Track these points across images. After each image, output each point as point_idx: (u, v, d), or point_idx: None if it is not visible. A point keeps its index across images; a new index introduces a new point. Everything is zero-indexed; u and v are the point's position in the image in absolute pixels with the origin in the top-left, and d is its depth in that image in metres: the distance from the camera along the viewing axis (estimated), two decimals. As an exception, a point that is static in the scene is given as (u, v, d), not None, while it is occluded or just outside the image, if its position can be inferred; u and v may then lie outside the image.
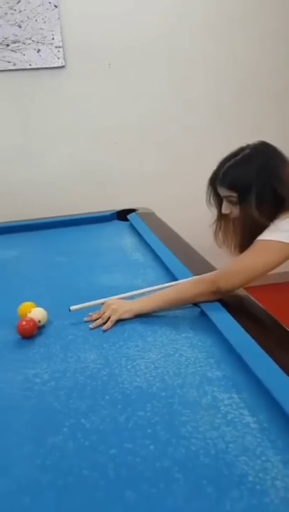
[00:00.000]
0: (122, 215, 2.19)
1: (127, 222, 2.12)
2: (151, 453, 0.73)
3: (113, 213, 2.22)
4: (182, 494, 0.65)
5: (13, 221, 2.14)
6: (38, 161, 2.54)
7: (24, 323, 1.13)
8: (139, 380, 0.92)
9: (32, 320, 1.14)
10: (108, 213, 2.22)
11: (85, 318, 1.19)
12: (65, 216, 2.20)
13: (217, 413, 0.80)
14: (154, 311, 1.19)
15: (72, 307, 1.20)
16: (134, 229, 1.99)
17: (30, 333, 1.12)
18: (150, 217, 2.08)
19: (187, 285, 1.22)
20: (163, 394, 0.87)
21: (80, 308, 1.20)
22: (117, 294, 1.26)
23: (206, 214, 1.36)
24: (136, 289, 1.29)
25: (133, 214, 2.13)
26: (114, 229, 2.09)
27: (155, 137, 2.67)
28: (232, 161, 1.19)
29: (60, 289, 1.42)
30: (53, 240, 1.97)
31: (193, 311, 1.20)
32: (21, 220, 2.15)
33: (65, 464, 0.72)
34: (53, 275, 1.57)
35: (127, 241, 1.89)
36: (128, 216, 2.13)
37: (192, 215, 2.54)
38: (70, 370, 0.97)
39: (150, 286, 1.31)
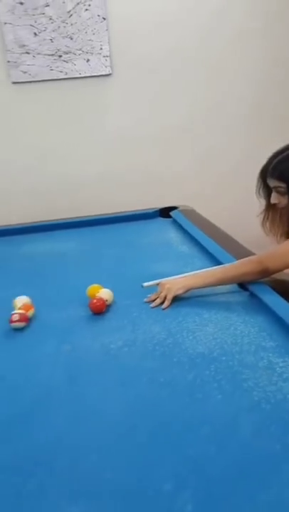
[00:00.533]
0: (165, 212, 2.34)
1: (170, 219, 2.27)
2: (219, 401, 0.87)
3: (156, 211, 2.37)
4: (249, 432, 0.79)
5: (70, 218, 2.32)
6: (88, 161, 2.73)
7: (95, 301, 1.29)
8: (200, 347, 1.07)
9: (102, 299, 1.30)
10: (151, 211, 2.37)
11: (145, 299, 1.34)
12: (112, 214, 2.37)
13: (273, 373, 0.94)
14: (205, 287, 1.32)
15: (145, 283, 1.36)
16: (177, 224, 2.13)
17: (101, 310, 1.28)
18: (192, 214, 2.22)
19: (235, 264, 1.35)
20: (223, 358, 1.01)
21: (152, 285, 1.35)
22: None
23: (238, 210, 1.49)
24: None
25: (175, 211, 2.28)
26: (158, 225, 2.24)
27: (193, 139, 2.82)
28: (280, 156, 1.33)
29: (117, 276, 1.57)
30: (103, 235, 2.13)
31: (242, 294, 1.33)
32: (76, 217, 2.32)
33: (146, 408, 0.87)
34: (109, 264, 1.73)
35: (172, 235, 2.04)
36: (171, 213, 2.27)
37: (225, 210, 2.68)
38: (139, 339, 1.13)
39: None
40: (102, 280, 1.46)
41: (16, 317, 1.21)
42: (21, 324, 1.21)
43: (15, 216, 2.42)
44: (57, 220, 2.32)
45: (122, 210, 2.42)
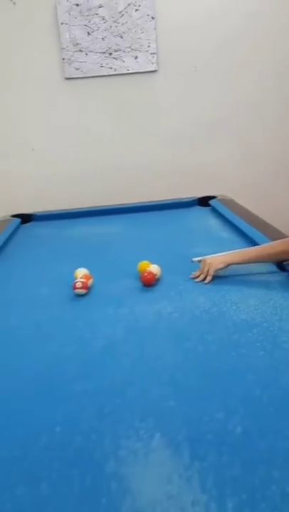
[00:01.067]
0: (203, 201, 2.48)
1: (208, 208, 2.41)
2: (261, 356, 1.01)
3: (194, 200, 2.51)
4: (288, 378, 0.92)
5: (113, 205, 2.49)
6: (135, 152, 2.90)
7: (146, 274, 1.45)
8: (243, 316, 1.21)
9: (152, 272, 1.46)
10: (190, 200, 2.51)
11: (190, 276, 1.49)
12: (154, 201, 2.53)
13: (311, 337, 1.07)
14: (243, 263, 1.44)
15: (194, 259, 1.51)
16: (216, 212, 2.26)
17: (151, 283, 1.44)
18: (230, 203, 2.34)
19: (272, 244, 1.47)
20: (265, 324, 1.15)
21: (200, 260, 1.50)
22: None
23: (278, 200, 1.60)
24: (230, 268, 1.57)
25: (214, 200, 2.41)
26: (197, 213, 2.38)
27: (234, 132, 2.93)
28: None
29: (163, 256, 1.72)
30: (146, 221, 2.29)
31: (281, 274, 1.46)
32: (118, 204, 2.50)
33: (198, 358, 1.02)
34: (154, 246, 1.88)
35: (212, 222, 2.17)
36: (210, 202, 2.41)
37: (264, 200, 2.78)
38: (187, 307, 1.28)
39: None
40: (150, 258, 1.62)
41: (79, 284, 1.39)
42: (83, 291, 1.39)
43: (67, 201, 2.63)
44: (103, 206, 2.50)
45: (163, 198, 2.57)
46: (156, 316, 1.24)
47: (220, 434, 0.76)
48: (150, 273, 1.45)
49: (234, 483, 0.66)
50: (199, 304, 1.30)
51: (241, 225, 1.92)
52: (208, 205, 2.42)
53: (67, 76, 2.72)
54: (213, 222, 2.16)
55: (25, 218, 2.40)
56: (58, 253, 1.88)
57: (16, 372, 1.00)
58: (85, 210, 2.46)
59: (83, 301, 1.36)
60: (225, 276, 1.46)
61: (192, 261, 1.51)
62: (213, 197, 2.47)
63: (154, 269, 1.48)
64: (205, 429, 0.78)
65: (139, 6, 2.63)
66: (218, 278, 1.44)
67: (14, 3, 2.61)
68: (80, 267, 1.51)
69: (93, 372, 0.98)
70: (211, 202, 2.39)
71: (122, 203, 2.56)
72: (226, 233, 1.98)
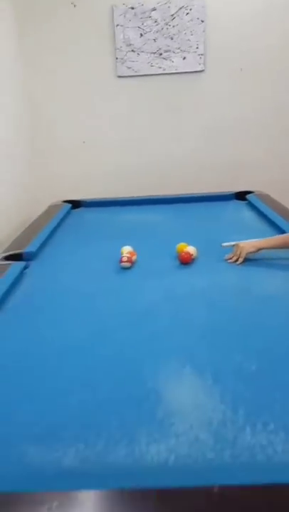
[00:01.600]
0: (240, 195, 2.63)
1: (245, 202, 2.56)
2: (279, 321, 1.19)
3: (232, 194, 2.67)
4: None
5: (157, 195, 2.70)
6: (176, 146, 3.10)
7: (183, 253, 1.65)
8: (267, 291, 1.39)
9: (189, 252, 1.66)
10: (228, 194, 2.68)
11: (224, 257, 1.67)
12: (193, 194, 2.71)
13: None
14: (272, 248, 1.61)
15: (224, 243, 1.70)
16: (252, 206, 2.42)
17: (188, 261, 1.64)
18: (267, 198, 2.48)
19: None
20: (287, 297, 1.32)
21: (229, 245, 1.68)
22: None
23: None
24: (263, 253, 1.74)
25: (251, 194, 2.56)
26: (234, 206, 2.54)
27: (272, 131, 3.06)
28: None
29: (198, 241, 1.90)
30: (185, 211, 2.48)
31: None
32: (161, 195, 2.70)
33: (224, 321, 1.21)
34: (192, 232, 2.06)
35: (247, 215, 2.33)
36: (247, 196, 2.56)
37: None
38: (220, 283, 1.46)
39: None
40: (188, 242, 1.81)
41: (125, 258, 1.61)
42: (128, 264, 1.61)
43: (113, 190, 2.87)
44: (147, 196, 2.71)
45: (203, 190, 2.75)
46: (192, 288, 1.44)
47: (238, 370, 0.96)
48: (187, 253, 1.65)
49: (245, 399, 0.85)
50: (231, 280, 1.49)
51: (276, 219, 2.06)
52: (244, 199, 2.58)
53: (120, 74, 2.95)
54: (249, 215, 2.32)
55: (75, 204, 2.65)
56: (106, 234, 2.11)
57: (79, 323, 1.24)
58: (130, 199, 2.68)
59: (128, 274, 1.57)
60: (255, 259, 1.63)
61: (222, 246, 1.69)
62: (250, 192, 2.63)
63: (191, 249, 1.68)
64: (226, 366, 0.98)
65: (190, 9, 2.81)
66: (249, 260, 1.62)
67: (74, 6, 2.86)
68: (125, 245, 1.74)
69: (138, 325, 1.20)
70: (248, 196, 2.55)
71: (164, 194, 2.76)
72: (260, 225, 2.13)
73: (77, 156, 3.13)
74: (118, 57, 2.91)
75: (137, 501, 0.65)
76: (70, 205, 2.59)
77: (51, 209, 2.54)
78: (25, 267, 1.62)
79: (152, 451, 0.74)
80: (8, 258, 1.68)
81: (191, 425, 0.80)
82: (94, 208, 2.64)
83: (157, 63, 2.91)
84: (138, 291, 1.43)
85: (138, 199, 2.68)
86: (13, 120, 2.68)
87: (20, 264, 1.61)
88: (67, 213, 2.47)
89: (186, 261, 1.63)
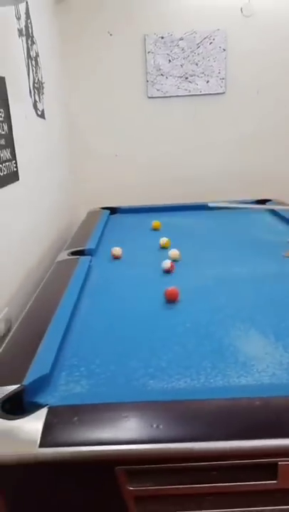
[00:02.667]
0: (261, 202, 2.93)
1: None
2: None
3: (253, 201, 2.97)
4: None
5: (188, 203, 3.00)
6: (201, 160, 3.42)
7: (169, 293, 1.93)
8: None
9: (174, 292, 1.93)
10: (249, 201, 2.98)
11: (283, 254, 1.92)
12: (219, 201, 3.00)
13: None
14: None
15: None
16: (272, 211, 2.72)
17: (175, 298, 1.91)
18: (284, 204, 2.79)
19: None
20: None
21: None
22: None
23: None
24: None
25: (270, 201, 2.87)
26: (255, 212, 2.84)
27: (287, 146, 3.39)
28: None
29: (231, 240, 2.20)
30: (214, 216, 2.77)
31: None
32: (191, 202, 3.00)
33: (268, 303, 1.48)
34: (223, 233, 2.36)
35: (269, 219, 2.62)
36: (267, 203, 2.86)
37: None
38: (261, 272, 1.73)
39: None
40: (221, 242, 2.10)
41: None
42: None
43: (145, 198, 3.17)
44: (175, 203, 3.01)
45: (229, 198, 3.05)
46: (237, 275, 1.71)
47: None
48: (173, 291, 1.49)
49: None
50: (274, 270, 1.75)
51: (295, 221, 2.37)
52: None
53: (150, 95, 3.27)
54: (270, 219, 2.61)
55: (112, 210, 2.94)
56: (144, 233, 2.40)
57: (153, 298, 1.50)
58: (161, 206, 2.98)
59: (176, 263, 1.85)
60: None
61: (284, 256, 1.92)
62: (269, 200, 2.93)
63: (174, 253, 1.88)
64: (282, 328, 1.25)
65: (213, 39, 3.15)
66: None
67: (111, 35, 3.19)
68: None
69: (202, 300, 1.47)
70: (268, 203, 2.85)
71: (190, 202, 3.05)
72: (281, 226, 2.43)
73: (110, 167, 3.43)
74: (149, 80, 3.24)
75: (252, 408, 0.91)
76: (108, 211, 2.88)
77: (92, 215, 2.82)
78: (90, 260, 1.89)
79: (243, 382, 1.01)
80: (73, 253, 1.96)
81: (267, 365, 1.07)
82: (129, 213, 2.93)
83: (183, 86, 3.24)
84: (189, 276, 1.70)
85: (167, 206, 2.98)
86: (57, 134, 2.98)
87: (87, 258, 1.89)
88: (108, 218, 2.75)
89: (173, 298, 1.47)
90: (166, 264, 1.74)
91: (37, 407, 0.93)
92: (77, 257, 1.90)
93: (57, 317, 1.34)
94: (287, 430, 0.83)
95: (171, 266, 1.75)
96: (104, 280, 1.71)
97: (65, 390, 1.02)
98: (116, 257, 1.95)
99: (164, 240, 2.07)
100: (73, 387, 1.04)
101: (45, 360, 1.10)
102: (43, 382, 1.03)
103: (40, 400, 0.97)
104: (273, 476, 0.83)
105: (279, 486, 0.83)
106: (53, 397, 0.99)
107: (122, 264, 1.91)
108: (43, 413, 0.87)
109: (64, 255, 1.95)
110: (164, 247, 2.05)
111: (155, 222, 2.48)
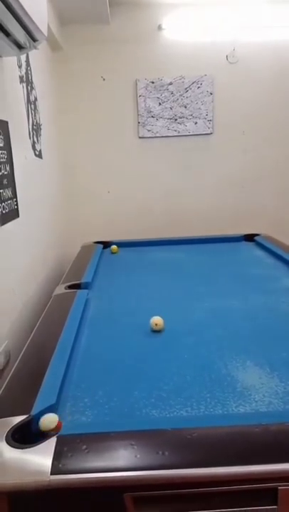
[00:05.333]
0: (248, 237, 3.05)
1: (252, 243, 2.97)
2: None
3: (240, 236, 3.09)
4: None
5: (178, 237, 3.10)
6: (190, 195, 3.57)
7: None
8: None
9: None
10: (237, 236, 3.09)
11: None
12: (207, 236, 3.12)
13: None
14: None
15: None
16: (261, 246, 2.83)
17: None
18: (272, 239, 2.91)
19: None
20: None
21: None
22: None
23: None
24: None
25: (259, 236, 2.99)
26: (245, 246, 2.95)
27: (272, 183, 3.56)
28: None
29: (224, 275, 2.28)
30: (203, 250, 2.87)
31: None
32: (176, 237, 3.11)
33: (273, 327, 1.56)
34: (216, 267, 2.45)
35: (258, 253, 2.73)
36: (255, 238, 2.98)
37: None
38: (253, 304, 1.80)
39: None
40: (212, 277, 2.18)
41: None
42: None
43: (136, 232, 3.28)
44: (166, 237, 3.11)
45: (217, 233, 3.17)
46: (229, 308, 1.78)
47: (287, 362, 1.29)
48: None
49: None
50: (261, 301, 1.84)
51: (284, 255, 2.47)
52: (252, 240, 3.00)
53: (141, 135, 3.44)
54: (259, 254, 2.72)
55: (105, 244, 3.02)
56: (138, 267, 2.48)
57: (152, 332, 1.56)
58: (152, 240, 3.08)
59: (172, 297, 1.92)
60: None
61: None
62: (257, 234, 3.05)
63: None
64: (279, 359, 1.31)
65: (201, 84, 3.37)
66: None
67: (104, 80, 3.39)
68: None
69: (198, 332, 1.53)
70: (256, 238, 2.97)
71: (180, 235, 3.16)
72: (270, 260, 2.53)
73: (102, 203, 3.55)
74: (140, 121, 3.42)
75: (252, 434, 0.96)
76: (101, 245, 2.96)
77: (85, 248, 2.90)
78: (88, 293, 1.94)
79: (241, 410, 1.06)
80: (70, 287, 2.01)
81: (264, 394, 1.12)
82: (121, 247, 3.01)
83: (173, 127, 3.42)
84: (184, 309, 1.77)
85: (158, 240, 3.07)
86: (53, 172, 3.10)
87: (84, 291, 1.94)
88: (102, 252, 2.83)
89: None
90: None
91: (46, 436, 0.97)
92: (75, 290, 1.95)
93: (59, 349, 1.38)
94: (286, 455, 0.88)
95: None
96: (103, 313, 1.76)
97: (71, 420, 1.06)
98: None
99: (155, 321, 1.57)
100: (79, 417, 1.08)
101: (51, 391, 1.14)
102: (50, 412, 1.07)
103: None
104: (273, 501, 0.87)
105: (279, 510, 0.87)
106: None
107: (119, 297, 1.97)
108: (52, 442, 0.91)
109: (61, 289, 2.00)
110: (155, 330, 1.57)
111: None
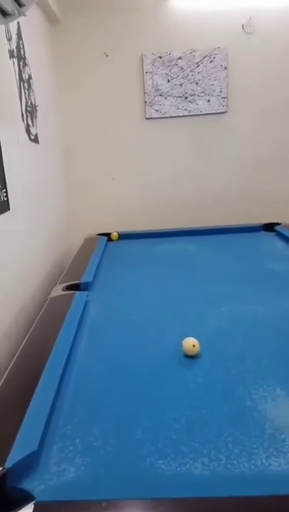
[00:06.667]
0: (268, 227, 2.77)
1: (272, 233, 2.69)
2: None
3: (260, 225, 2.81)
4: None
5: (190, 227, 2.84)
6: (202, 182, 3.28)
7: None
8: None
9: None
10: (256, 225, 2.82)
11: None
12: (222, 226, 2.85)
13: None
14: None
15: None
16: (282, 236, 2.55)
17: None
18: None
19: None
20: None
21: None
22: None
23: None
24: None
25: (280, 226, 2.70)
26: (264, 237, 2.67)
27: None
28: None
29: (243, 271, 2.02)
30: (219, 242, 2.61)
31: None
32: (190, 227, 2.84)
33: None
34: (227, 260, 2.19)
35: (280, 244, 2.45)
36: (276, 227, 2.70)
37: None
38: (281, 309, 1.55)
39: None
40: (232, 274, 1.94)
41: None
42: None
43: (143, 222, 3.01)
44: (176, 228, 2.85)
45: (233, 222, 2.89)
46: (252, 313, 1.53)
47: None
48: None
49: None
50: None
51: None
52: (272, 230, 2.72)
53: (148, 116, 3.15)
54: (281, 245, 2.44)
55: (110, 236, 2.77)
56: (145, 263, 2.23)
57: (159, 343, 1.32)
58: (160, 231, 2.82)
59: (178, 301, 1.67)
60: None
61: None
62: (278, 223, 2.77)
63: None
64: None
65: (214, 58, 3.05)
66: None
67: (107, 56, 3.09)
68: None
69: (210, 347, 1.28)
70: (277, 228, 2.68)
71: (193, 225, 2.89)
72: (293, 253, 2.26)
73: (106, 191, 3.28)
74: (147, 100, 3.13)
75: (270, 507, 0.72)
76: (106, 238, 2.71)
77: (88, 241, 2.66)
78: (87, 296, 1.71)
79: (273, 465, 0.82)
80: (68, 288, 1.78)
81: (302, 439, 0.88)
82: (127, 239, 2.77)
83: (183, 106, 3.12)
84: (199, 315, 1.52)
85: (168, 231, 2.81)
86: (52, 158, 2.84)
87: (83, 293, 1.71)
88: (105, 245, 2.59)
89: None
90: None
91: (21, 499, 0.76)
92: (73, 292, 1.72)
93: (48, 371, 1.15)
94: None
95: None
96: (102, 321, 1.53)
97: (56, 473, 0.84)
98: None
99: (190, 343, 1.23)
100: (66, 468, 0.85)
101: (33, 432, 0.92)
102: (29, 463, 0.85)
103: (27, 485, 0.80)
104: None
105: None
106: (41, 483, 0.81)
107: (123, 299, 1.74)
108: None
109: (58, 290, 1.77)
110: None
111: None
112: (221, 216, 3.15)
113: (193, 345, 1.22)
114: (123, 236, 2.81)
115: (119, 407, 1.03)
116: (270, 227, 2.76)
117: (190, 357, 1.22)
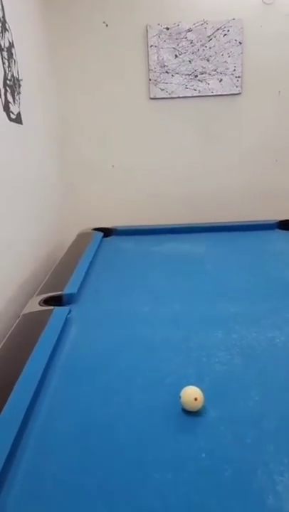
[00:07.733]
0: (284, 224, 2.45)
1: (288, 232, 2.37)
2: None
3: (274, 223, 2.49)
4: None
5: (194, 223, 2.52)
6: (212, 171, 2.95)
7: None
8: None
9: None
10: (270, 222, 2.49)
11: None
12: (232, 222, 2.53)
13: None
14: None
15: None
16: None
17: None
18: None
19: None
20: None
21: None
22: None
23: None
24: None
25: (298, 224, 2.38)
26: (279, 236, 2.35)
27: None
28: None
29: (251, 281, 1.72)
30: (227, 241, 2.30)
31: None
32: (199, 223, 2.53)
33: None
34: (237, 267, 1.88)
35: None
36: (291, 225, 2.38)
37: None
38: None
39: None
40: (236, 284, 1.64)
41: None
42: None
43: (146, 216, 2.71)
44: (182, 224, 2.53)
45: (241, 218, 2.57)
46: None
47: None
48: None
49: None
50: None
51: None
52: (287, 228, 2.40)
53: (153, 96, 2.81)
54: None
55: (106, 232, 2.46)
56: (146, 268, 1.93)
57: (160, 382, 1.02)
58: (164, 227, 2.50)
59: (184, 321, 1.37)
60: None
61: None
62: (294, 220, 2.44)
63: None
64: None
65: (228, 31, 2.69)
66: None
67: (106, 26, 2.74)
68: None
69: (216, 398, 0.99)
70: (294, 225, 2.36)
71: (200, 221, 2.58)
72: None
73: (105, 180, 2.96)
74: (151, 78, 2.78)
75: None
76: (101, 234, 2.41)
77: (81, 238, 2.36)
78: (69, 313, 1.41)
79: None
80: (46, 301, 1.48)
81: None
82: (127, 236, 2.46)
83: (192, 85, 2.77)
84: (204, 344, 1.22)
85: (172, 227, 2.50)
86: (41, 142, 2.52)
87: (63, 310, 1.41)
88: (100, 243, 2.28)
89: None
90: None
91: None
92: (51, 307, 1.42)
93: (2, 428, 0.86)
94: None
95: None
96: (81, 353, 1.22)
97: None
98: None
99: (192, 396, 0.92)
100: None
101: None
102: None
103: None
104: None
105: None
106: None
107: (111, 320, 1.43)
108: None
109: (34, 304, 1.47)
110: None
111: None
112: (231, 211, 2.83)
113: (195, 399, 0.92)
114: (122, 232, 2.50)
115: (95, 497, 0.73)
116: (285, 225, 2.44)
117: (190, 412, 0.92)
